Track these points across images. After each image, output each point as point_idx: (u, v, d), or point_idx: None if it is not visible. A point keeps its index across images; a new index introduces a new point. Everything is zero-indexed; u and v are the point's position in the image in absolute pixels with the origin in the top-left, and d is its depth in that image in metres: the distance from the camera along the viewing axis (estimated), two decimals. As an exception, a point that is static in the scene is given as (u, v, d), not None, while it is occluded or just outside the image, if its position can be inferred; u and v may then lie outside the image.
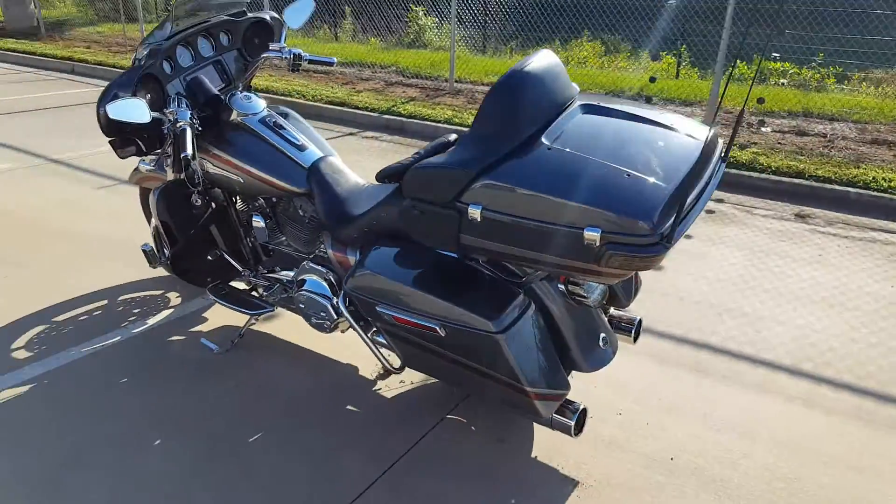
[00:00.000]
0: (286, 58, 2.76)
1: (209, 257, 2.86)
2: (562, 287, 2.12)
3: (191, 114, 2.49)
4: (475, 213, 1.85)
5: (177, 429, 2.36)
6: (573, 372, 2.17)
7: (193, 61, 2.73)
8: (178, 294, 3.30)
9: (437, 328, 1.99)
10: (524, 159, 1.84)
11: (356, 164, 5.35)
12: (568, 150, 1.82)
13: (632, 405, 2.52)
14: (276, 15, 2.94)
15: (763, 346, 2.92)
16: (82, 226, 4.07)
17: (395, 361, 2.32)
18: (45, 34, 13.78)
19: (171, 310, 3.14)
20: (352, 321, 2.34)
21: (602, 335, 2.20)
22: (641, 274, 2.67)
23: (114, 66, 9.95)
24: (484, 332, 1.90)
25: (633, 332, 2.43)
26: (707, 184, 1.88)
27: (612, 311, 2.47)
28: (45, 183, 4.87)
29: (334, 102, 7.82)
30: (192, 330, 2.99)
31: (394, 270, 2.09)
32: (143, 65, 2.53)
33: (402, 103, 7.63)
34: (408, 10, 11.18)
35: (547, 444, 2.32)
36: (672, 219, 1.66)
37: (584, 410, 2.11)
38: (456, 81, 8.84)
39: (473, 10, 10.76)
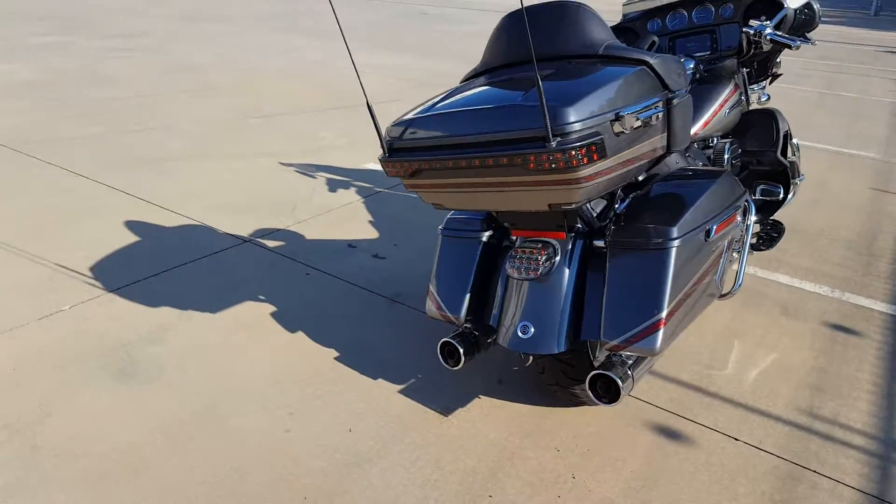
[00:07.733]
0: (752, 33, 2.72)
1: None
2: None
3: None
4: None
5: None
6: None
7: (684, 25, 2.89)
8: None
9: None
10: (461, 87, 2.03)
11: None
12: (477, 82, 1.97)
13: None
14: None
15: None
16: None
17: None
18: None
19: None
20: None
21: (525, 324, 1.97)
22: None
23: None
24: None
25: (587, 383, 1.81)
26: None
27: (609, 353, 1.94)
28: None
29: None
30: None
31: None
32: (626, 18, 2.90)
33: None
34: None
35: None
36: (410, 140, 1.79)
37: (458, 353, 2.01)
38: None
39: None
